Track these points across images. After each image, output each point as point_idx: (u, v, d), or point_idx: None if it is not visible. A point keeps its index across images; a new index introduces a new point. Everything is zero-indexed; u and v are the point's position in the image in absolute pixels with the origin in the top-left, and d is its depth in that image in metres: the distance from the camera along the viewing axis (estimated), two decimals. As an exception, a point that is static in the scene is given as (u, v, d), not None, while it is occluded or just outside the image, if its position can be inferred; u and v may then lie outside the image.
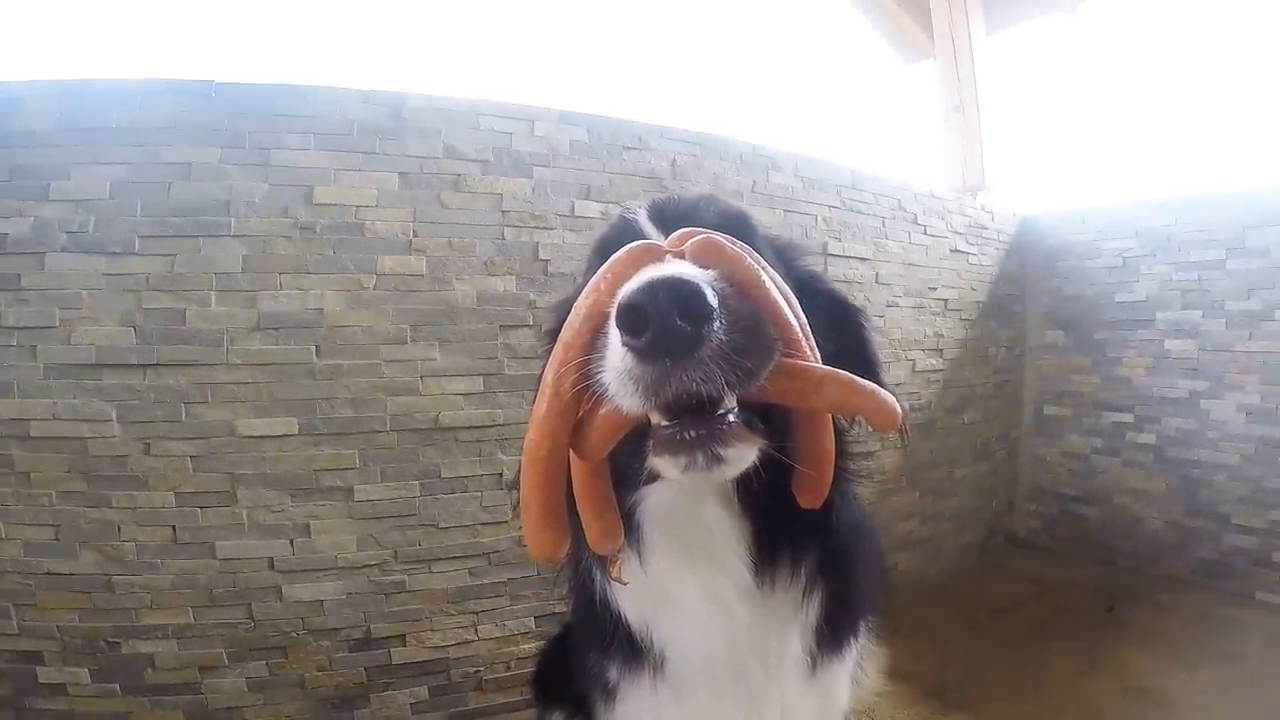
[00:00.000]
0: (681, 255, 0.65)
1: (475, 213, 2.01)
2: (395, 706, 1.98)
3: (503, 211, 2.03)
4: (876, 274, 2.63)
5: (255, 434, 1.83)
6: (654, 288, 0.54)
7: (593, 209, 2.15)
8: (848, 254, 2.56)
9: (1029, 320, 3.15)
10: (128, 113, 1.73)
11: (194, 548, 1.80)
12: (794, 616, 0.89)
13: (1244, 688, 1.89)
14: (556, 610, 2.08)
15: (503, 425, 2.04)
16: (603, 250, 0.82)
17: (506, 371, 2.05)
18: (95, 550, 1.73)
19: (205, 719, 1.82)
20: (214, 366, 1.79)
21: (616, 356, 0.58)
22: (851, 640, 1.00)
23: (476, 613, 2.07)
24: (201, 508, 1.80)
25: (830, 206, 2.51)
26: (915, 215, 2.74)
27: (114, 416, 1.73)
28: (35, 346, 1.69)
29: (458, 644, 2.03)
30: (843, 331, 0.93)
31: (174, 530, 1.78)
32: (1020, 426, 3.16)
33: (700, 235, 0.64)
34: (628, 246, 0.65)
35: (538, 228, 2.08)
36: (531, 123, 2.09)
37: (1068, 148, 3.25)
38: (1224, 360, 2.53)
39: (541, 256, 2.08)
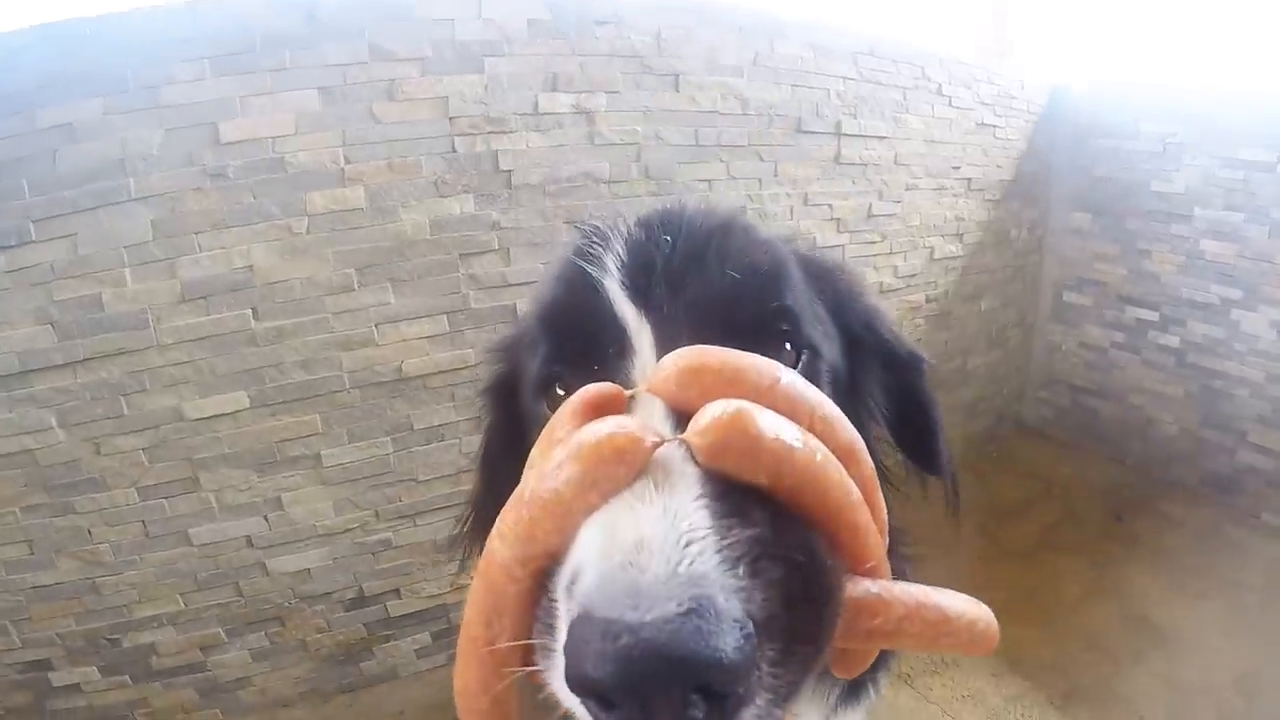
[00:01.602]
0: (681, 411, 0.48)
1: (417, 124, 1.85)
2: (400, 654, 2.21)
3: (450, 118, 1.87)
4: (895, 154, 2.53)
5: (205, 415, 1.83)
6: (626, 663, 0.34)
7: (561, 102, 1.99)
8: (864, 132, 2.43)
9: (1054, 201, 3.10)
10: None
11: (168, 538, 1.88)
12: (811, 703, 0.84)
13: (1246, 627, 2.10)
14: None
15: (475, 366, 2.03)
16: (553, 327, 0.70)
17: (473, 305, 2.02)
18: (72, 557, 1.80)
19: (217, 692, 2.04)
20: (144, 351, 1.74)
21: (564, 666, 0.39)
22: (871, 688, 0.99)
23: (470, 557, 2.26)
24: (167, 498, 1.85)
25: (845, 78, 2.34)
26: (940, 85, 2.58)
27: (54, 422, 1.71)
28: None
29: (454, 590, 2.20)
30: (902, 394, 0.86)
31: (144, 525, 1.84)
32: (1037, 312, 3.24)
33: (719, 411, 0.43)
34: (592, 425, 0.45)
35: (495, 133, 1.93)
36: (478, 3, 1.84)
37: (1109, 11, 2.96)
38: (1263, 270, 2.52)
39: (502, 167, 1.95)
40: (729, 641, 0.35)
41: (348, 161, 1.80)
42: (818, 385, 0.62)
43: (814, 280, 0.79)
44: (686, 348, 0.51)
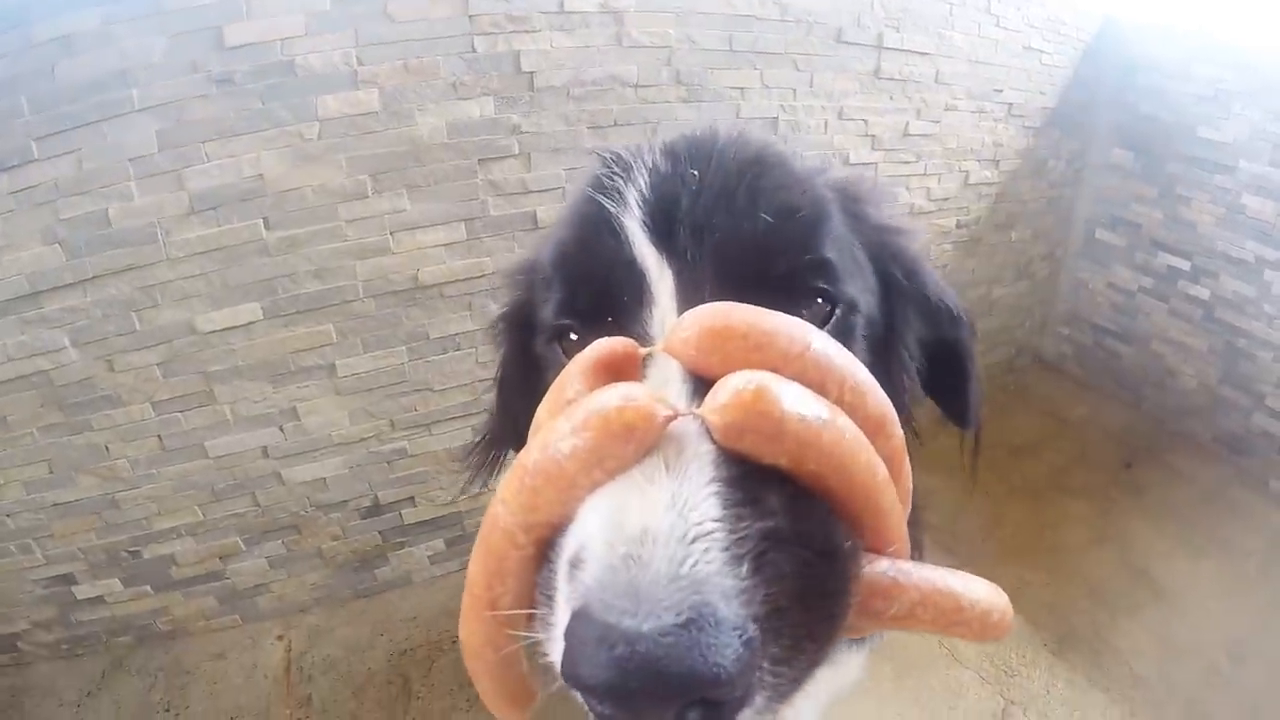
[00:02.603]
0: (698, 375, 0.47)
1: (434, 23, 1.81)
2: (414, 561, 2.37)
3: (470, 16, 1.83)
4: (937, 72, 2.48)
5: (218, 327, 1.88)
6: (621, 674, 0.35)
7: (589, 1, 1.93)
8: (906, 47, 2.38)
9: (1096, 135, 3.05)
10: None
11: (185, 451, 1.97)
12: None
13: (1242, 591, 2.23)
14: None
15: (493, 274, 2.07)
16: (567, 271, 0.67)
17: (491, 212, 2.03)
18: (90, 474, 1.91)
19: (236, 598, 2.20)
20: (154, 265, 1.77)
21: (560, 657, 0.40)
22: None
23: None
24: (182, 412, 1.93)
25: (891, -12, 2.27)
26: (988, 3, 2.50)
27: (67, 342, 1.77)
28: None
29: (468, 498, 2.28)
30: (942, 350, 0.84)
31: (160, 439, 1.93)
32: (1067, 248, 3.27)
33: (740, 386, 0.42)
34: (601, 393, 0.44)
35: (517, 32, 1.89)
36: (498, -120, 1.77)
37: None
38: None
39: (524, 68, 1.93)
40: (728, 654, 0.35)
41: (361, 63, 1.77)
42: (851, 342, 0.67)
43: (854, 220, 0.75)
44: (709, 305, 0.49)
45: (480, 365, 2.15)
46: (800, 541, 0.41)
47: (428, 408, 2.18)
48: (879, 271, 0.77)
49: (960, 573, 0.51)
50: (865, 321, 0.70)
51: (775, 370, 0.44)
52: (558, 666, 0.40)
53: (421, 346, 2.10)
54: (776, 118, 2.28)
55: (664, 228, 0.62)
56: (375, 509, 2.24)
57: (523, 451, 0.46)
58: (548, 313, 0.70)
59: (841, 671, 1.06)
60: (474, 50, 1.86)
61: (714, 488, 0.40)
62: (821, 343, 0.47)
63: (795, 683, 0.41)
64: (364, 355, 2.04)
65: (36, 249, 1.69)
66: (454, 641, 2.11)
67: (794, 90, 2.29)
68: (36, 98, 1.58)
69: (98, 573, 2.03)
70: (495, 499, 0.47)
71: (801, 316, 0.59)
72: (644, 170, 0.66)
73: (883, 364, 0.75)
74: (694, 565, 0.37)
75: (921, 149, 2.61)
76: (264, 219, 1.82)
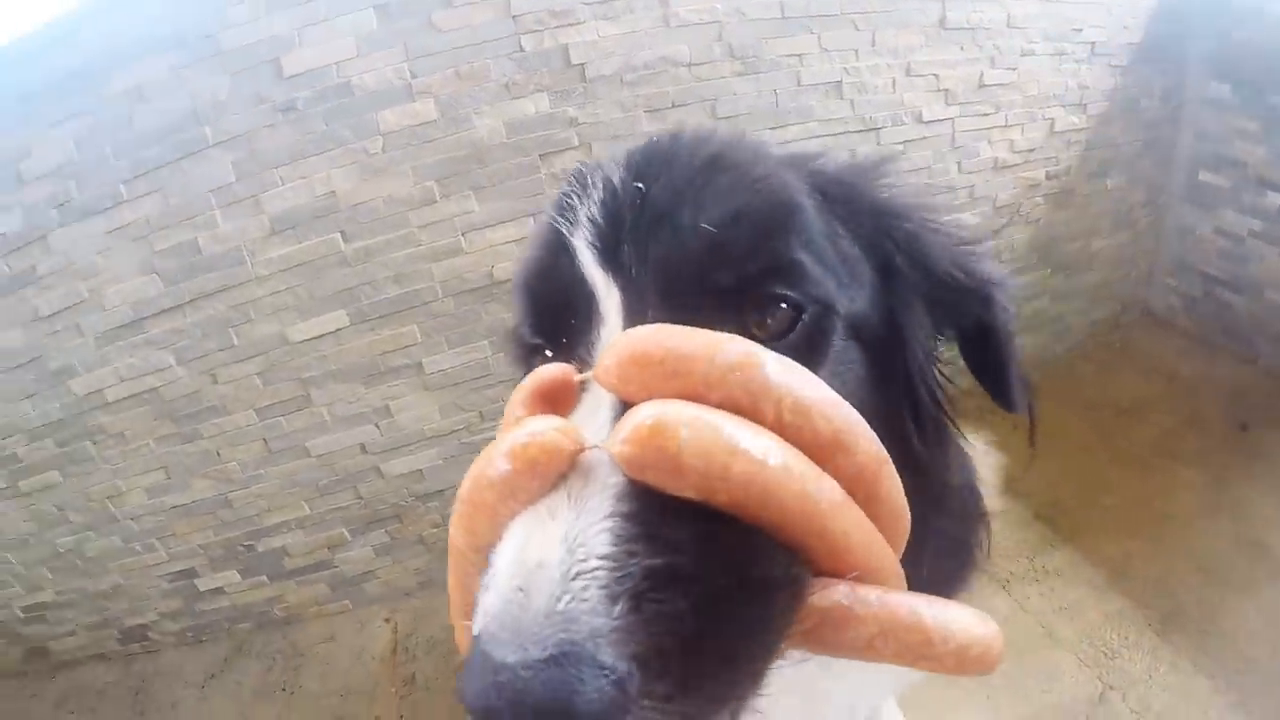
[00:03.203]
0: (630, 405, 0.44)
1: (479, 28, 1.85)
2: (509, 544, 2.49)
3: (514, 17, 1.86)
4: (1008, 16, 2.30)
5: (308, 336, 2.02)
6: (491, 703, 0.36)
7: (633, -17, 1.93)
8: (970, -9, 2.24)
9: (1190, 68, 2.74)
10: (56, 59, 1.69)
11: (288, 452, 2.14)
12: None
13: None
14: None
15: None
16: (529, 291, 0.67)
17: None
18: (204, 477, 2.11)
19: (346, 584, 2.37)
20: (244, 285, 1.92)
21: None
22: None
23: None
24: (283, 416, 2.09)
25: (949, -70, 2.13)
26: None
27: (172, 361, 1.96)
28: (77, 323, 1.91)
29: None
30: (979, 332, 0.76)
31: (265, 442, 2.10)
32: (1169, 193, 2.97)
33: (639, 420, 0.41)
34: (523, 424, 0.45)
35: (562, 26, 1.90)
36: (524, -106, 1.78)
37: None
38: None
39: (574, 61, 1.94)
40: (590, 691, 0.35)
41: (414, 76, 1.84)
42: (825, 347, 0.61)
43: (844, 208, 0.70)
44: (634, 329, 0.47)
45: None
46: (705, 576, 0.40)
47: (513, 397, 2.28)
48: (879, 261, 0.70)
49: (941, 602, 0.48)
50: (850, 321, 0.64)
51: (698, 396, 0.43)
52: None
53: (502, 340, 2.20)
54: (840, 81, 2.19)
55: (610, 246, 0.60)
56: (472, 495, 2.37)
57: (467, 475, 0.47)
58: (521, 333, 0.71)
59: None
60: (522, 49, 1.89)
61: (609, 523, 0.40)
62: (753, 360, 0.44)
63: (702, 712, 0.40)
64: (448, 352, 2.14)
65: (136, 280, 1.88)
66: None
67: (855, 51, 2.19)
68: (119, 145, 1.76)
69: (217, 566, 2.25)
70: (451, 517, 0.48)
71: (764, 325, 0.59)
72: (598, 187, 0.64)
73: (886, 364, 0.69)
74: (569, 602, 0.37)
75: (999, 99, 2.44)
76: (340, 232, 1.93)
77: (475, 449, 1.96)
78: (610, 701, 0.35)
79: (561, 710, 0.34)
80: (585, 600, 0.37)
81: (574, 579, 0.38)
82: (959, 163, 2.48)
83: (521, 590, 0.38)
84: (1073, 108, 2.59)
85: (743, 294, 0.59)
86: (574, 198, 0.65)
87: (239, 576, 2.27)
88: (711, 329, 0.47)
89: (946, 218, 0.77)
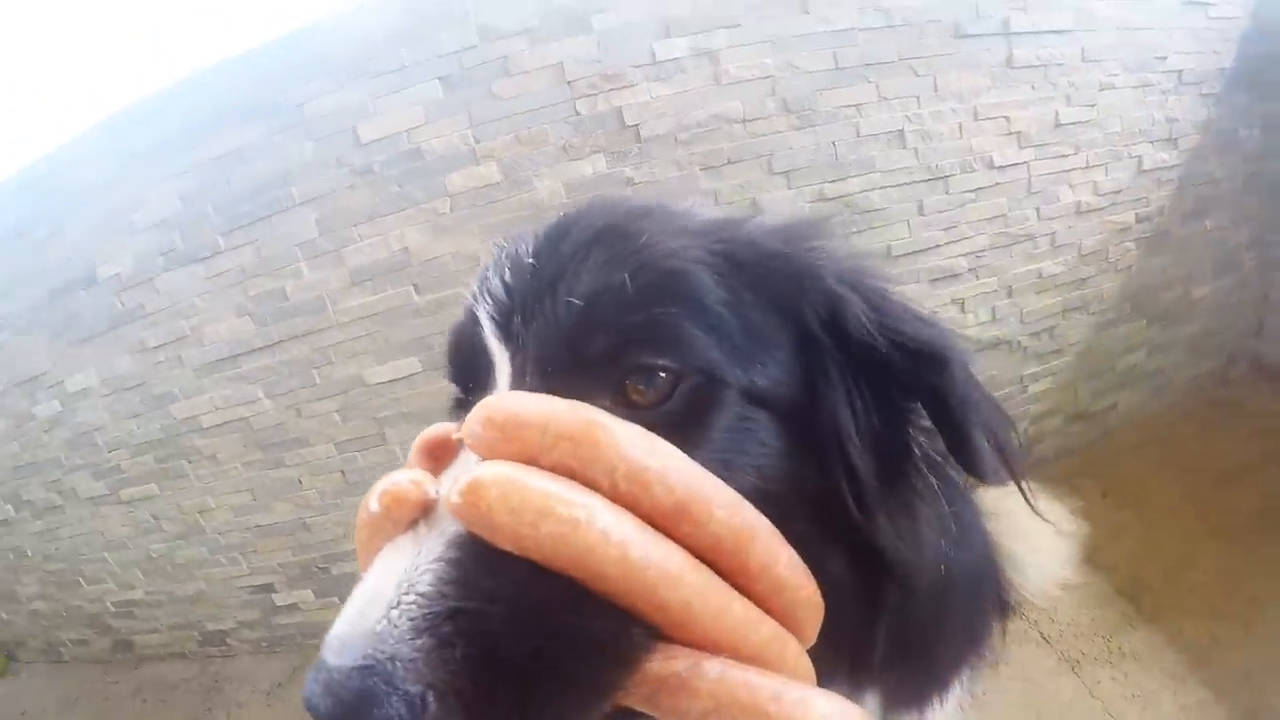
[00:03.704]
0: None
1: (536, 94, 1.98)
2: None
3: (568, 82, 1.97)
4: (1083, 49, 2.20)
5: (383, 380, 2.19)
6: (309, 699, 0.41)
7: (679, 46, 2.00)
8: (1038, 28, 2.15)
9: None
10: (165, 122, 1.97)
11: (363, 485, 2.28)
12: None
13: None
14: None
15: None
16: (451, 352, 0.72)
17: None
18: (286, 501, 2.33)
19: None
20: (326, 330, 2.12)
21: None
22: (939, 699, 0.96)
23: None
24: (359, 451, 2.28)
25: (1008, -33, 2.06)
26: None
27: (261, 395, 2.20)
28: (179, 356, 2.19)
29: None
30: (919, 391, 0.71)
31: (343, 474, 2.30)
32: (1277, 230, 2.71)
33: (463, 478, 0.44)
34: (389, 477, 0.49)
35: (615, 89, 2.00)
36: (573, -40, 1.90)
37: None
38: None
39: (629, 121, 2.03)
40: (382, 702, 0.39)
41: (477, 141, 1.99)
42: (709, 416, 0.61)
43: (753, 272, 0.68)
44: (493, 395, 0.49)
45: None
46: (510, 625, 0.43)
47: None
48: (797, 329, 0.68)
49: (806, 691, 0.46)
50: (756, 393, 0.64)
51: (532, 459, 0.46)
52: None
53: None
54: (902, 130, 2.16)
55: (505, 318, 0.64)
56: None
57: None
58: (453, 389, 0.76)
59: None
60: (577, 113, 2.00)
61: (435, 565, 0.44)
62: (583, 431, 0.46)
63: None
64: (515, 399, 2.27)
65: (232, 321, 2.13)
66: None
67: (917, 98, 2.15)
68: (218, 201, 2.01)
69: (294, 584, 2.46)
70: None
71: (643, 394, 0.59)
72: (504, 262, 0.68)
73: (811, 436, 0.67)
74: (385, 626, 0.41)
75: (1078, 139, 2.32)
76: (414, 285, 2.10)
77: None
78: (396, 714, 0.39)
79: (356, 711, 0.39)
80: (396, 628, 0.41)
81: (394, 609, 0.42)
82: (1037, 209, 2.37)
83: (358, 614, 0.42)
84: (1162, 143, 2.42)
85: (612, 365, 0.60)
86: (489, 271, 0.69)
87: (313, 596, 2.48)
88: (585, 398, 0.49)
89: (887, 284, 0.74)
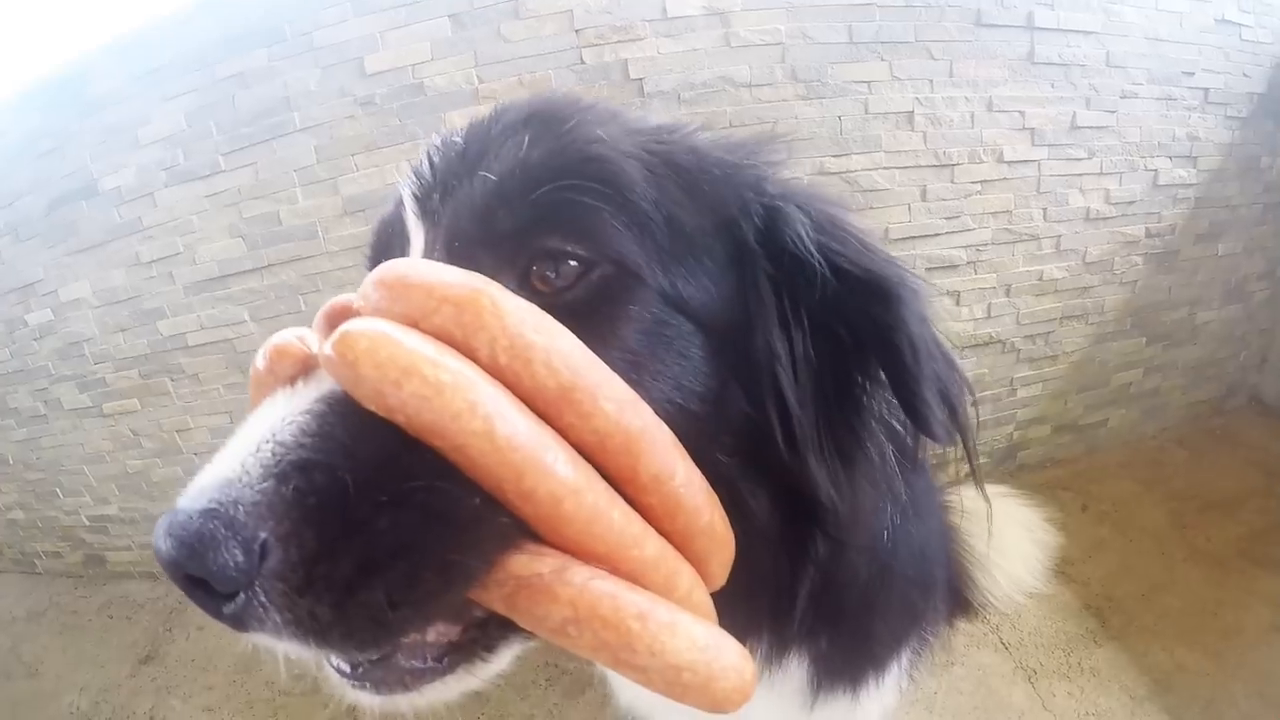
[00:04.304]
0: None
1: (543, 40, 1.96)
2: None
3: (576, 31, 1.95)
4: (1107, 53, 2.15)
5: (366, 310, 2.20)
6: (156, 538, 0.40)
7: (692, 4, 1.97)
8: (1064, 26, 2.10)
9: None
10: (177, 43, 1.99)
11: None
12: (779, 673, 0.81)
13: None
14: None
15: None
16: (373, 237, 0.72)
17: None
18: None
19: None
20: (315, 257, 2.14)
21: None
22: (874, 677, 0.94)
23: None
24: (339, 379, 2.29)
25: (1041, -41, 2.02)
26: None
27: (247, 317, 2.22)
28: (171, 272, 2.21)
29: None
30: (864, 328, 0.65)
31: (320, 399, 2.31)
32: None
33: (336, 333, 0.43)
34: (278, 334, 0.51)
35: (623, 41, 1.97)
36: (595, -89, 1.89)
37: None
38: None
39: (633, 75, 2.00)
40: (219, 546, 0.38)
41: (481, 81, 1.98)
42: (619, 311, 0.57)
43: (692, 176, 0.64)
44: (387, 262, 0.48)
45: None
46: (362, 486, 0.41)
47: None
48: (734, 242, 0.64)
49: (677, 612, 0.44)
50: (671, 297, 0.60)
51: (414, 322, 0.44)
52: None
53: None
54: (912, 111, 2.12)
55: (425, 195, 0.63)
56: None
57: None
58: None
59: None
60: (583, 62, 1.98)
61: (300, 418, 0.44)
62: (469, 298, 0.44)
63: (332, 625, 0.41)
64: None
65: (224, 241, 2.14)
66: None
67: (930, 81, 2.11)
68: (221, 122, 2.03)
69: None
70: None
71: (545, 280, 0.57)
72: (438, 143, 0.66)
73: (741, 358, 0.63)
74: (237, 473, 0.41)
75: (1095, 144, 2.27)
76: (404, 219, 2.10)
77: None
78: (233, 563, 0.39)
79: (191, 555, 0.39)
80: (245, 473, 0.41)
81: (252, 454, 0.42)
82: (1045, 209, 2.31)
83: (219, 462, 0.43)
84: (1181, 160, 2.36)
85: (519, 244, 0.58)
86: (422, 154, 0.67)
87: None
88: (489, 276, 0.47)
89: (846, 210, 0.69)
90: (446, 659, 0.49)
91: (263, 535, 0.39)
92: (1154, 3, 2.15)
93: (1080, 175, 2.30)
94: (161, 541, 0.39)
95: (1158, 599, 2.06)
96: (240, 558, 0.39)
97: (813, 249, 0.63)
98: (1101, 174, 2.32)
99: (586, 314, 0.55)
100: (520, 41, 1.95)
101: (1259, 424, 2.79)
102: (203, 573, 0.39)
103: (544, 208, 0.58)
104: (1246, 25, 2.27)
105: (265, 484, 0.40)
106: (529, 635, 0.51)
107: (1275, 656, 1.85)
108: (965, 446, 0.72)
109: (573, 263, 0.57)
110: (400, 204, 0.65)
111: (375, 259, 0.70)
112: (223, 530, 0.39)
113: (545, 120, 0.62)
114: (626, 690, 1.10)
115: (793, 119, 2.07)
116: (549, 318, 0.46)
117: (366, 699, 0.49)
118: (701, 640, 0.44)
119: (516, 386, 0.43)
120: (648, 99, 2.03)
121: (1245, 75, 2.34)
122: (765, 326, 0.63)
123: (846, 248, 0.64)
